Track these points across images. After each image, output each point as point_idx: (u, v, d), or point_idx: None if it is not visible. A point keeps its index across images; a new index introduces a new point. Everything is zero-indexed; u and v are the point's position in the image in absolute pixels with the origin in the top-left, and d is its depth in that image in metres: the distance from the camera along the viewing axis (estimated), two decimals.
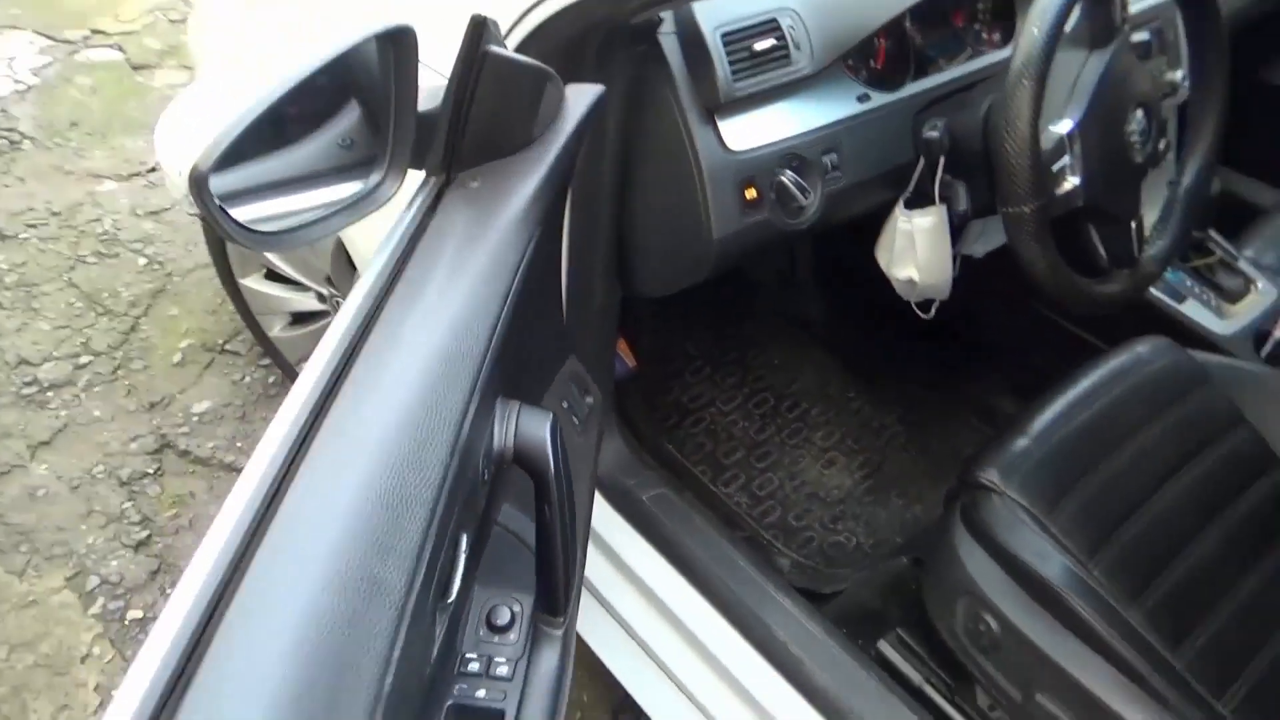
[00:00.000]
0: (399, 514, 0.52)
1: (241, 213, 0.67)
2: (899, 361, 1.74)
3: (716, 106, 1.05)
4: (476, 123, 0.75)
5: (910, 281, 1.21)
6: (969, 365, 1.71)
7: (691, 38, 1.02)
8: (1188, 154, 1.18)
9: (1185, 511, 1.09)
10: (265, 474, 0.52)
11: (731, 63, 1.03)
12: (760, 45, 1.05)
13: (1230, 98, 1.20)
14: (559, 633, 0.76)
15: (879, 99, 1.15)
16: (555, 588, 0.73)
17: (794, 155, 1.09)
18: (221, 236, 0.67)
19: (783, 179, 1.08)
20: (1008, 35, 1.29)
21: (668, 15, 1.02)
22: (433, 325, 0.64)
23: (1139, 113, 1.07)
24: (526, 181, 0.77)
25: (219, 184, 0.63)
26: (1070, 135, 1.01)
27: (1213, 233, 1.43)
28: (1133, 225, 1.12)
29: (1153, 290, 1.39)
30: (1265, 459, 1.15)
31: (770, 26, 1.06)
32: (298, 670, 0.45)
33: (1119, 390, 1.16)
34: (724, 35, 1.03)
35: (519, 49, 0.90)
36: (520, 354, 0.79)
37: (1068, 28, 0.99)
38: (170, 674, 0.44)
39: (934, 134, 1.11)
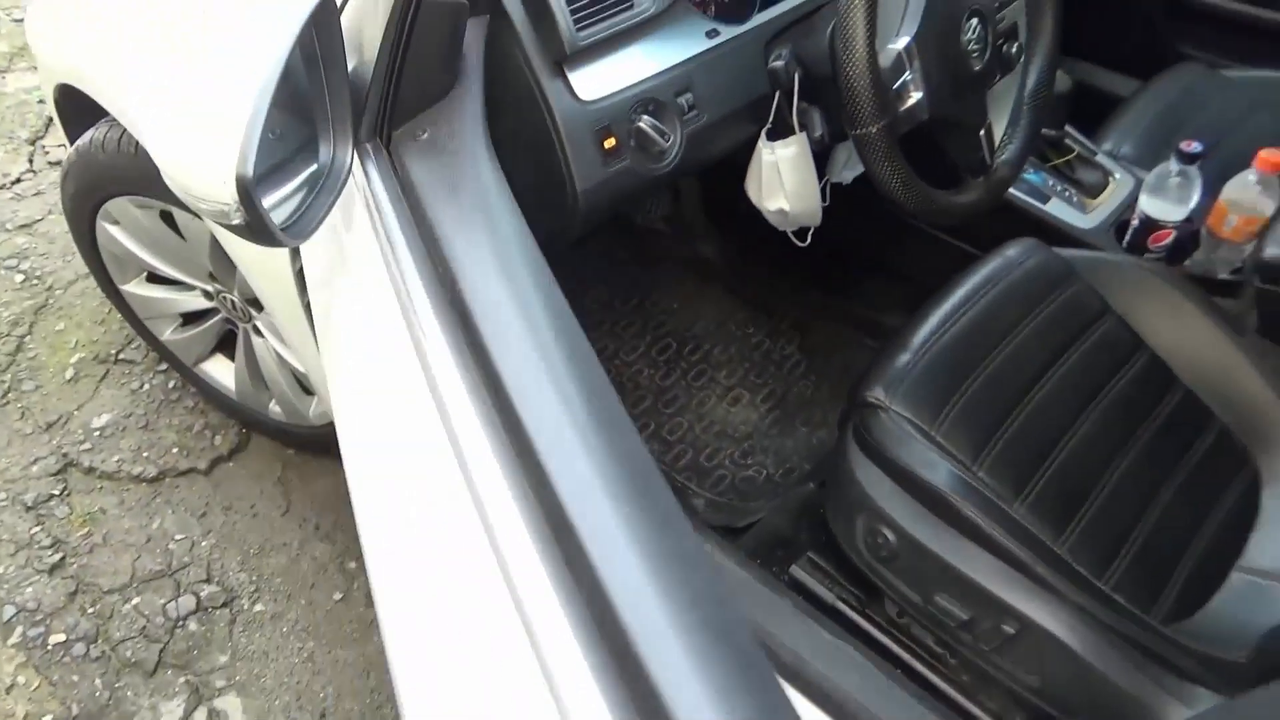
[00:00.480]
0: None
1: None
2: (792, 291, 1.76)
3: (564, 58, 1.03)
4: (410, 75, 0.75)
5: (781, 212, 1.22)
6: (859, 287, 1.74)
7: None
8: (1028, 54, 1.20)
9: (1060, 405, 1.13)
10: (495, 434, 0.66)
11: (573, 11, 1.02)
12: None
13: None
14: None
15: (728, 32, 1.15)
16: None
17: (649, 99, 1.08)
18: (263, 243, 0.70)
19: (640, 124, 1.08)
20: None
21: None
22: (503, 264, 0.74)
23: (974, 21, 1.08)
24: (470, 118, 0.80)
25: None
26: (908, 50, 1.02)
27: (1069, 129, 1.46)
28: (981, 133, 1.14)
29: (1018, 194, 1.42)
30: (1132, 344, 1.19)
31: None
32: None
33: (991, 295, 1.19)
34: None
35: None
36: None
37: None
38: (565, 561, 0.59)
39: (779, 64, 1.11)
